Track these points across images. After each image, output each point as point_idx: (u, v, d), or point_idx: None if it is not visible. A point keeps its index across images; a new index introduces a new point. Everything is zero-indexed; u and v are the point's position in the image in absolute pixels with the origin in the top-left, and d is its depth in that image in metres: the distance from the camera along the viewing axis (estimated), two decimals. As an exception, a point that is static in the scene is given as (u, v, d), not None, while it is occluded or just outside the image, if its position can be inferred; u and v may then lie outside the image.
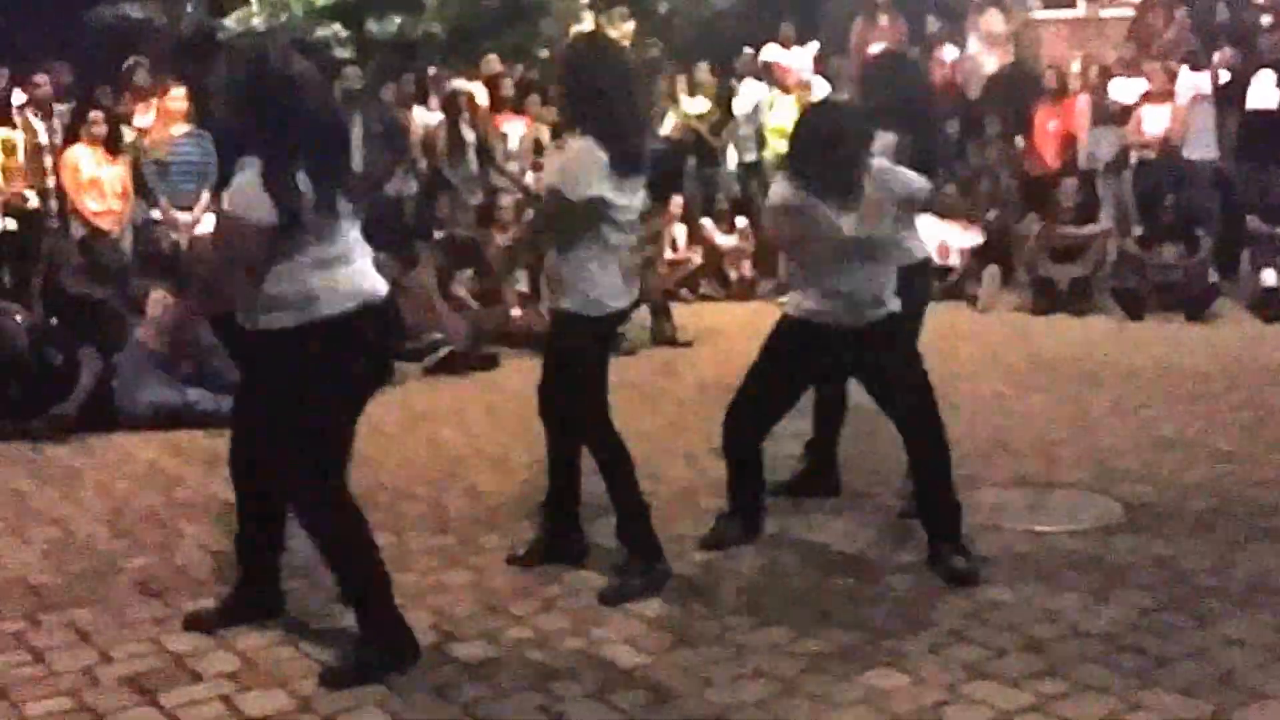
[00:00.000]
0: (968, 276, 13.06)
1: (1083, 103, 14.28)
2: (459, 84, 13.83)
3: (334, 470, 4.64)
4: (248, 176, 4.43)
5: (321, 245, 4.50)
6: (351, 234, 4.64)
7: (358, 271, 4.62)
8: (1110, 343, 10.97)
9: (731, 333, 11.10)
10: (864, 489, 6.60)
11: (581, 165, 5.13)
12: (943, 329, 7.79)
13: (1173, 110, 13.71)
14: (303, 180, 4.41)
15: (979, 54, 16.15)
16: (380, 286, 4.68)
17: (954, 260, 13.11)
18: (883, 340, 5.55)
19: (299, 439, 4.55)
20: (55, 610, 5.26)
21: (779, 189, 5.58)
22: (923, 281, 6.18)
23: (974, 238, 13.31)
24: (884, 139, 5.74)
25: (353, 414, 4.67)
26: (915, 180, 5.62)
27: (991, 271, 12.99)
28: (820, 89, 14.73)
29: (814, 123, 5.64)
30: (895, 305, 5.54)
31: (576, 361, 5.35)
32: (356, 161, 11.54)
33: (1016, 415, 8.15)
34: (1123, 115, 14.00)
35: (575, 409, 5.42)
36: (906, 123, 5.92)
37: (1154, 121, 13.71)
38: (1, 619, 5.17)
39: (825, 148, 5.40)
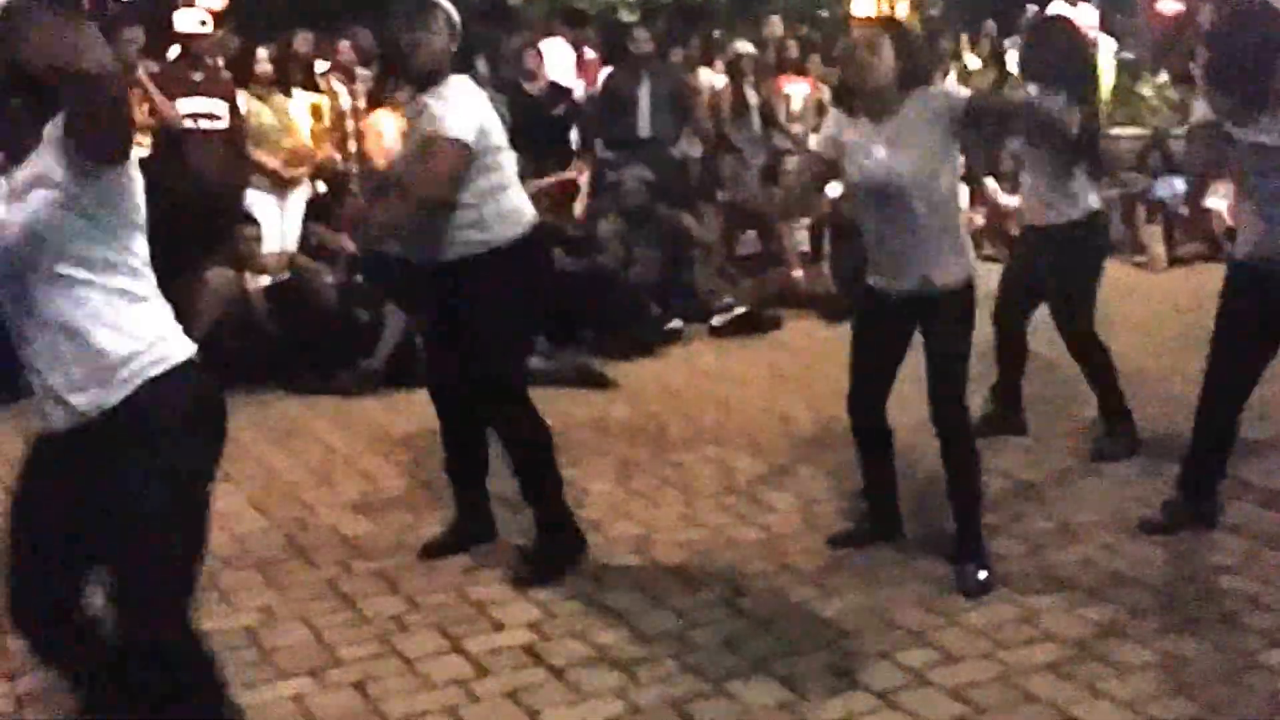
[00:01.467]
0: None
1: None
2: (743, 46, 13.87)
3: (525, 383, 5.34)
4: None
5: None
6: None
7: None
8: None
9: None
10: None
11: None
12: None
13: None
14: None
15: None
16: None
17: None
18: None
19: (505, 353, 5.20)
20: (365, 559, 5.55)
21: (1199, 107, 5.30)
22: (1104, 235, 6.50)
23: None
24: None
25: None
26: None
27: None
28: (1107, 46, 14.37)
29: (1230, 32, 5.06)
30: None
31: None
32: (644, 124, 11.87)
33: None
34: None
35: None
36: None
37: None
38: (316, 567, 5.47)
39: (1241, 57, 4.93)
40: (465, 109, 5.05)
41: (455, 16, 5.19)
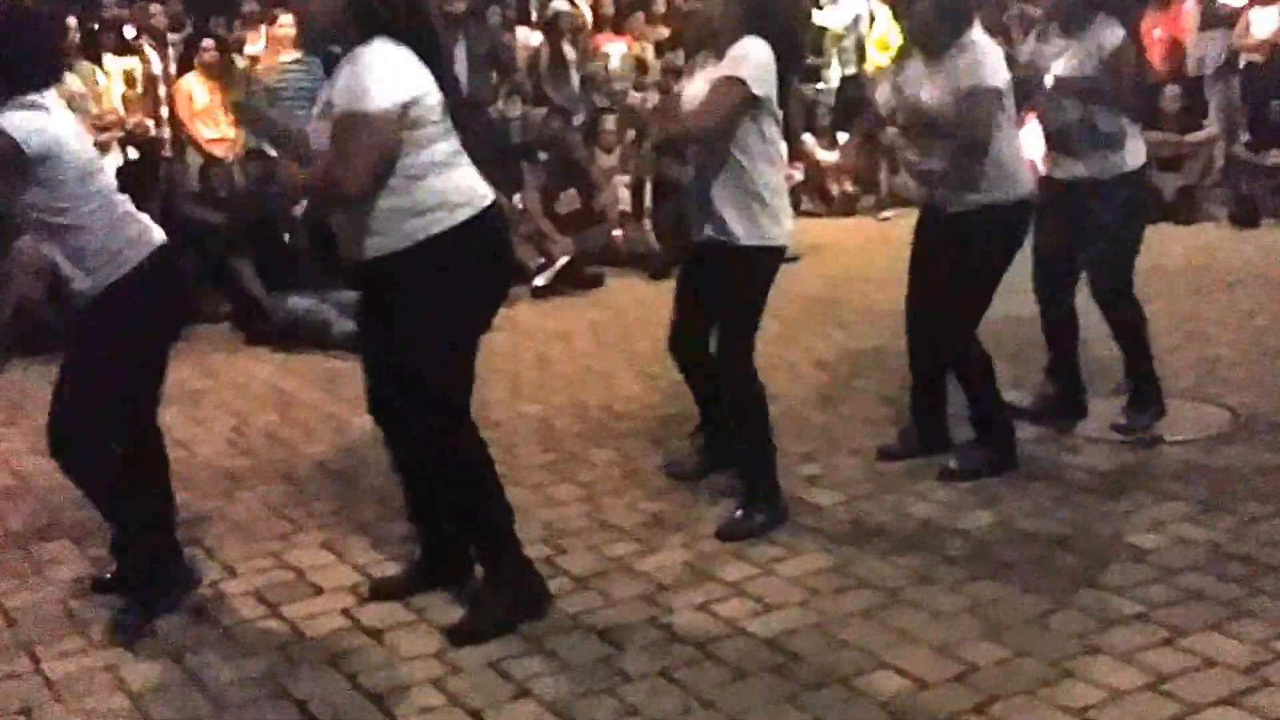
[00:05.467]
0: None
1: (1190, 6, 13.99)
2: (559, 4, 13.84)
3: (466, 397, 4.41)
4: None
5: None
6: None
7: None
8: (1219, 250, 10.84)
9: (833, 248, 11.15)
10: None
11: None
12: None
13: (1282, 11, 13.39)
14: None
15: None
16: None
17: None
18: None
19: (437, 359, 4.27)
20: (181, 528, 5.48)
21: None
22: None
23: None
24: None
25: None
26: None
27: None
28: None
29: None
30: None
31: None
32: (461, 83, 11.77)
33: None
34: (1230, 18, 13.72)
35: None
36: None
37: (1263, 24, 13.40)
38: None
39: None
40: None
41: None
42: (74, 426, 4.39)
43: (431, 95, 4.18)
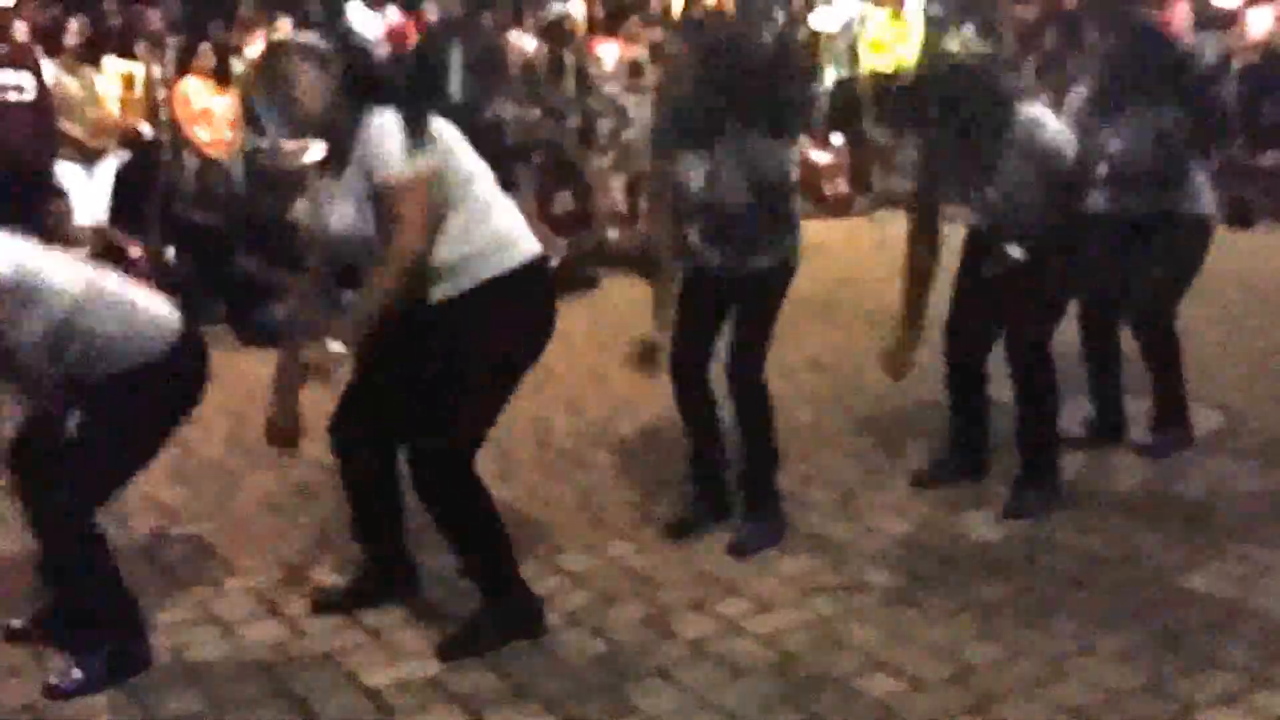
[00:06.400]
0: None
1: (1184, 7, 13.99)
2: (559, 8, 13.84)
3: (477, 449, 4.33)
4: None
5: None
6: None
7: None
8: (1213, 251, 10.81)
9: (827, 249, 11.16)
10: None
11: None
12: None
13: (1278, 12, 13.39)
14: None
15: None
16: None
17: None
18: None
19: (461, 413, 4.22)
20: (180, 524, 5.51)
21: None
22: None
23: None
24: None
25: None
26: None
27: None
28: (913, 3, 14.62)
29: None
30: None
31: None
32: (456, 87, 11.80)
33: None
34: (1226, 18, 13.72)
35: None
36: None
37: (1259, 24, 13.40)
38: (131, 532, 5.38)
39: None
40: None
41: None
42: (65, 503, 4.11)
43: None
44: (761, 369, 5.13)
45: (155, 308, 4.22)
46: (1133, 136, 5.78)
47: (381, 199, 4.02)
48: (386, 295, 4.03)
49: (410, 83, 10.80)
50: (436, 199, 4.07)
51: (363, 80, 4.20)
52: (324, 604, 4.68)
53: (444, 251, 4.12)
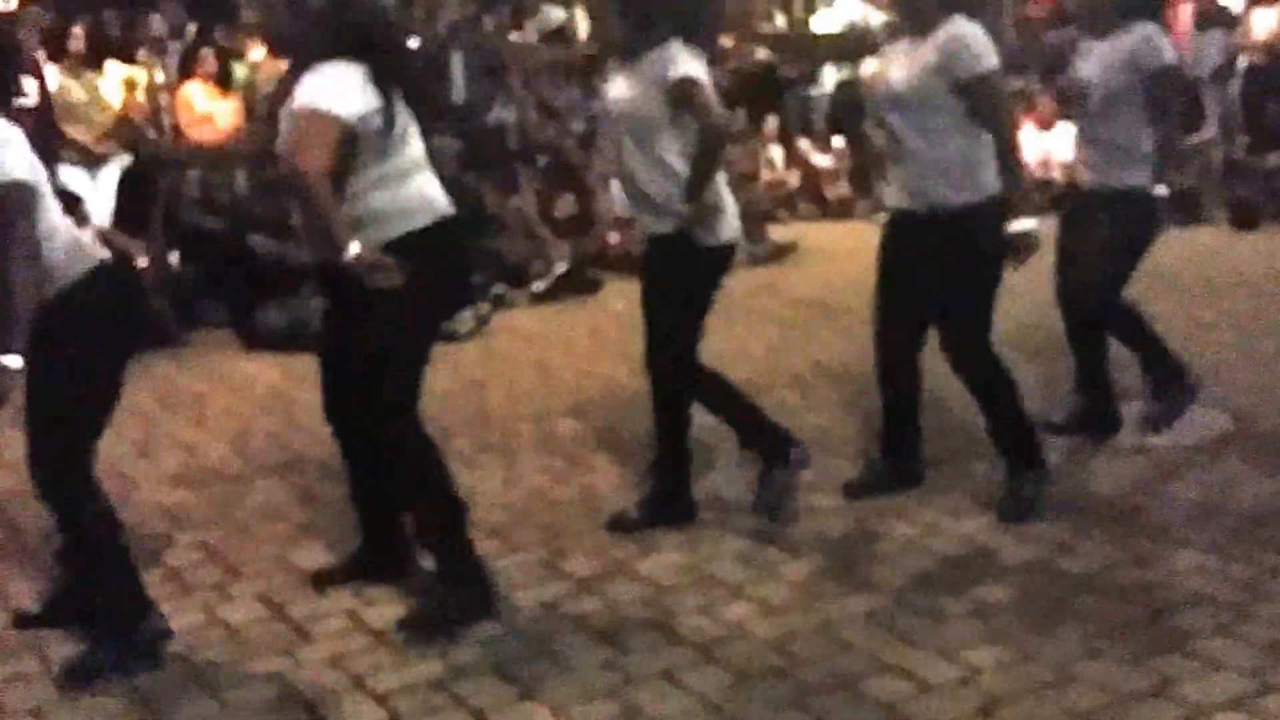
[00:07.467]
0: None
1: (1187, 8, 13.96)
2: (559, 13, 13.85)
3: (415, 399, 4.51)
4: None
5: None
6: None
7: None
8: (1218, 253, 10.86)
9: (829, 252, 11.16)
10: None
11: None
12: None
13: (1283, 12, 13.36)
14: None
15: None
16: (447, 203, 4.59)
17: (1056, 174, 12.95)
18: None
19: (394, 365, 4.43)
20: (186, 530, 5.51)
21: None
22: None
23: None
24: None
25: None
26: None
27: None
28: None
29: None
30: None
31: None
32: (458, 90, 11.81)
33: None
34: (1228, 19, 13.69)
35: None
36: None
37: (1263, 24, 13.36)
38: (138, 538, 5.36)
39: None
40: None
41: None
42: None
43: (378, 117, 4.34)
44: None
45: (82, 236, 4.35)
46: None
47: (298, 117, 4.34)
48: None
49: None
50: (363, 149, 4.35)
51: (331, 36, 4.41)
52: (322, 581, 4.87)
53: (366, 201, 4.38)
